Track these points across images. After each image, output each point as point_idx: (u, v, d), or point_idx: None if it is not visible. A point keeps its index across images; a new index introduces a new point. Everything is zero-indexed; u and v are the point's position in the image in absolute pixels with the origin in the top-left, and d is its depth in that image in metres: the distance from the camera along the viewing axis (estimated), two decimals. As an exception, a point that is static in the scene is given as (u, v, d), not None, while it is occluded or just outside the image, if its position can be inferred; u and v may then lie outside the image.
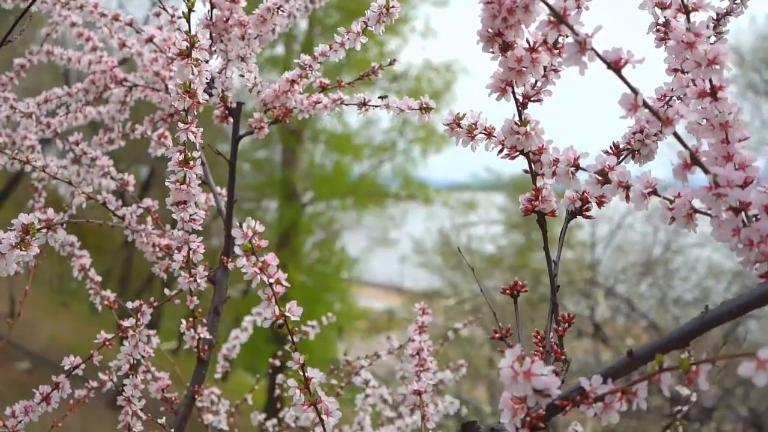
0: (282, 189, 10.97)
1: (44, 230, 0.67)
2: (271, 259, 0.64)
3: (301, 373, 0.66)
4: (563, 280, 6.89)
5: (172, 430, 0.95)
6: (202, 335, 0.98)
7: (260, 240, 0.64)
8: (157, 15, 1.17)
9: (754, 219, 0.54)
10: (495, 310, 0.75)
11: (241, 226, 0.62)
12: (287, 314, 0.65)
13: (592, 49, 0.51)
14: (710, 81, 0.55)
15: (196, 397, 1.00)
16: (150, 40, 1.09)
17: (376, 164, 12.24)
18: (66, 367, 0.93)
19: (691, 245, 6.61)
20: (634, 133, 0.70)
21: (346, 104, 0.99)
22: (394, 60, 1.03)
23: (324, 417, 0.66)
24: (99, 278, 1.13)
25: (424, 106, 0.87)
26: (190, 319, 0.98)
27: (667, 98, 0.70)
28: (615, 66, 0.51)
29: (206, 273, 0.93)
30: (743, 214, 0.53)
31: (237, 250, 0.63)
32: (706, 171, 0.52)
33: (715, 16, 0.74)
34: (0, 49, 0.84)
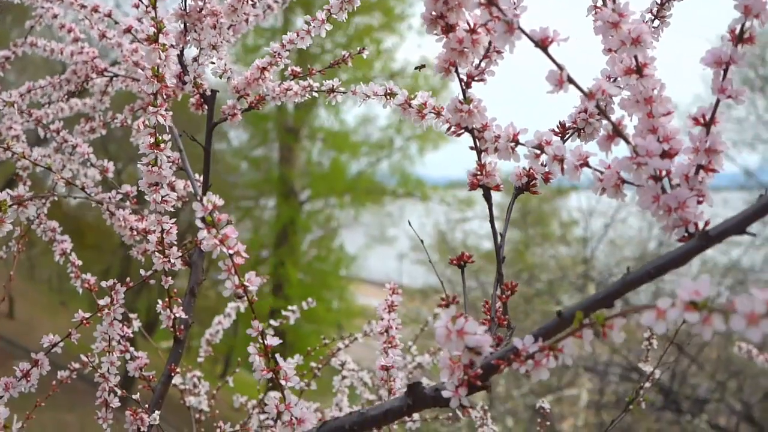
0: (280, 187, 11.02)
1: (15, 206, 0.70)
2: (231, 231, 0.68)
3: (261, 341, 0.70)
4: (557, 275, 6.92)
5: (147, 405, 0.98)
6: (177, 315, 1.02)
7: (221, 214, 0.67)
8: (137, 6, 1.20)
9: (677, 188, 0.57)
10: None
11: (201, 200, 0.66)
12: (246, 284, 0.68)
13: (520, 28, 0.54)
14: (635, 58, 0.58)
15: (173, 374, 1.04)
16: (128, 30, 1.12)
17: (373, 162, 12.29)
18: (44, 345, 0.97)
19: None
20: (579, 113, 0.74)
21: (316, 91, 1.02)
22: (364, 48, 1.06)
23: (283, 382, 0.70)
24: (80, 262, 1.16)
25: (389, 92, 0.91)
26: (166, 299, 1.01)
27: (611, 79, 0.73)
28: (542, 44, 0.55)
29: (180, 253, 0.96)
30: (666, 182, 0.57)
31: (198, 223, 0.67)
32: (627, 142, 0.56)
33: (659, 1, 0.77)
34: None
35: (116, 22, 1.17)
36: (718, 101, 0.56)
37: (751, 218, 0.51)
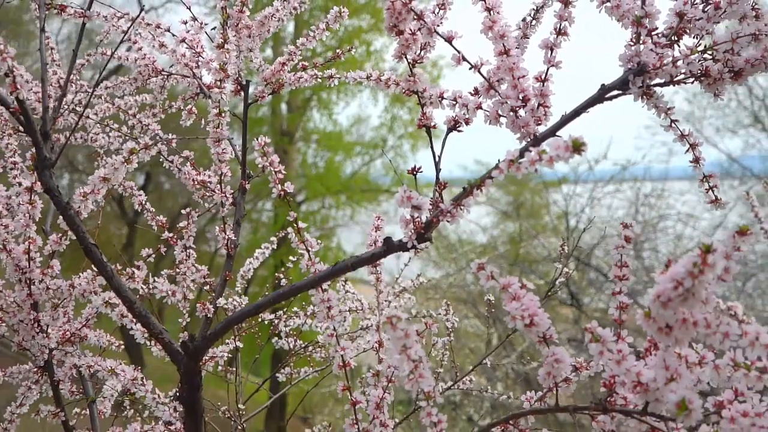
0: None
1: (143, 149, 1.15)
2: (276, 158, 1.13)
3: (296, 225, 1.15)
4: (543, 253, 7.37)
5: (214, 294, 1.43)
6: (230, 236, 1.47)
7: (268, 147, 1.12)
8: (185, 23, 1.65)
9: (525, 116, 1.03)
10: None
11: (257, 138, 1.11)
12: (286, 189, 1.14)
13: (436, 31, 1.00)
14: (503, 45, 1.03)
15: (227, 279, 1.49)
16: (183, 40, 1.57)
17: (367, 161, 12.73)
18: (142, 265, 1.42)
19: (657, 218, 7.12)
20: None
21: (320, 78, 1.48)
22: (352, 47, 1.51)
23: (309, 249, 1.15)
24: (153, 210, 1.61)
25: (369, 75, 1.36)
26: (222, 225, 1.47)
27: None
28: (448, 39, 1.00)
29: (232, 191, 1.41)
30: (522, 112, 1.02)
31: (255, 153, 1.12)
32: (497, 91, 1.01)
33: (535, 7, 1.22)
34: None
35: (173, 35, 1.62)
36: (548, 68, 1.02)
37: (564, 122, 0.96)
